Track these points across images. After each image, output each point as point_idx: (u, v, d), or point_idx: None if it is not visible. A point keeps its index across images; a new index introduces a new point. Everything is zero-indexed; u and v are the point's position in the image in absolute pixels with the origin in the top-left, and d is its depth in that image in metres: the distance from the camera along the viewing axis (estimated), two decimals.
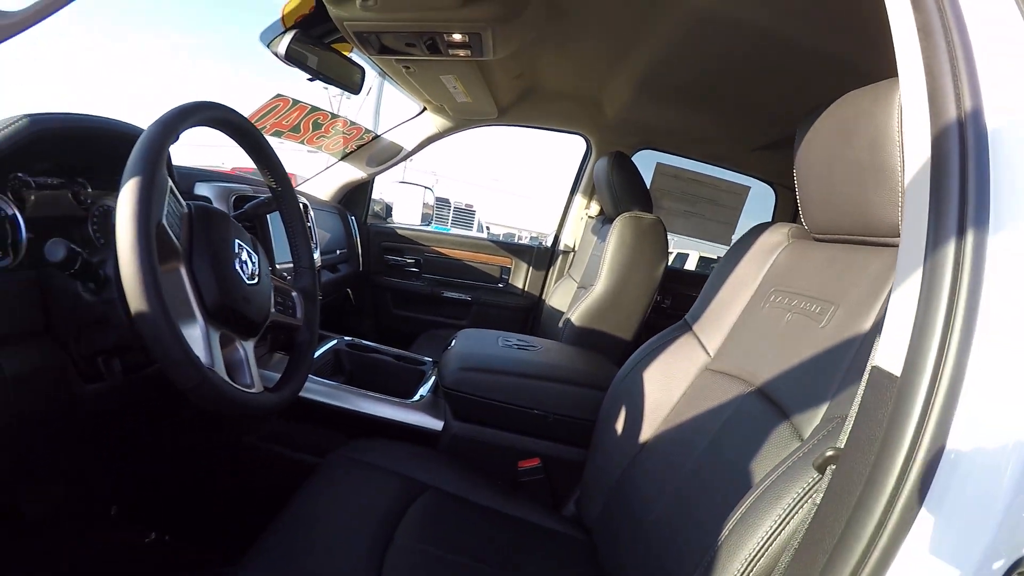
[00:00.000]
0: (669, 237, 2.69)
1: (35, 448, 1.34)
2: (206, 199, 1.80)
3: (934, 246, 0.65)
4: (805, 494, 0.86)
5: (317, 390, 1.86)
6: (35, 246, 1.16)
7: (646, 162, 3.46)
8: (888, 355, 0.70)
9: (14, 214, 1.15)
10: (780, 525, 0.87)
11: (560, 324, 2.68)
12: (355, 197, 3.54)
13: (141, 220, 0.93)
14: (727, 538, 0.95)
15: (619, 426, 1.49)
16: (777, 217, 3.64)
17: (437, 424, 1.87)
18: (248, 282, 1.21)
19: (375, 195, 3.72)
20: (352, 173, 3.41)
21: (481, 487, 1.59)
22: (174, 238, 1.07)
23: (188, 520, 2.04)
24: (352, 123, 3.25)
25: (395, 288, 3.62)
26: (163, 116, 1.07)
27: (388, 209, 3.86)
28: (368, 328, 3.63)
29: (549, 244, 3.69)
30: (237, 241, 1.23)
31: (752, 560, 0.89)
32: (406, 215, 3.65)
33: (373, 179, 3.54)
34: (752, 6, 1.74)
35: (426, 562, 1.28)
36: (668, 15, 1.91)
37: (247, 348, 1.22)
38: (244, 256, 1.23)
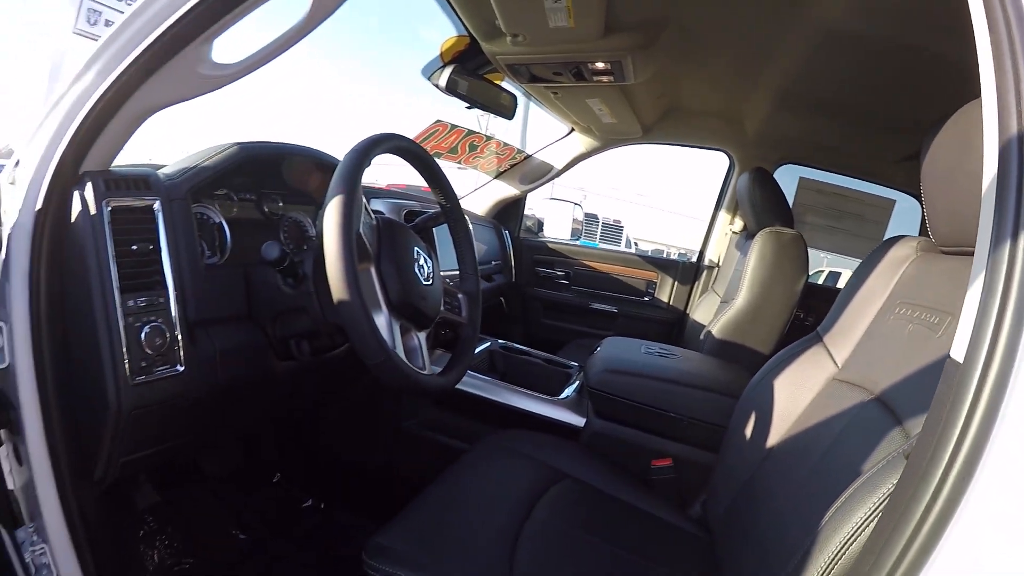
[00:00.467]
0: (822, 255, 2.71)
1: (227, 414, 1.61)
2: (380, 213, 2.06)
3: (994, 248, 0.70)
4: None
5: (473, 384, 2.05)
6: (236, 248, 1.49)
7: (790, 177, 3.41)
8: (958, 346, 0.74)
9: (221, 222, 1.48)
10: (872, 512, 0.91)
11: (701, 336, 2.73)
12: (508, 212, 3.73)
13: (345, 229, 1.18)
14: (825, 525, 0.99)
15: (748, 432, 1.52)
16: (923, 231, 3.45)
17: (579, 421, 2.01)
18: (424, 283, 1.45)
19: (527, 211, 3.89)
20: (505, 190, 3.61)
21: (615, 480, 1.70)
22: (367, 244, 1.33)
23: (343, 492, 2.30)
24: (505, 144, 3.44)
25: (545, 298, 3.78)
26: (358, 145, 1.33)
27: (540, 224, 4.03)
28: (518, 335, 3.78)
29: (695, 259, 3.72)
30: (416, 248, 1.47)
31: (843, 545, 0.92)
32: (556, 230, 3.82)
33: (525, 196, 3.72)
34: (871, 17, 1.75)
35: (558, 537, 1.41)
36: (794, 32, 1.96)
37: (421, 338, 1.46)
38: (421, 261, 1.47)
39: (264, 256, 1.32)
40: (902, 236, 1.45)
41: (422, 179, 1.62)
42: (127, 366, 1.19)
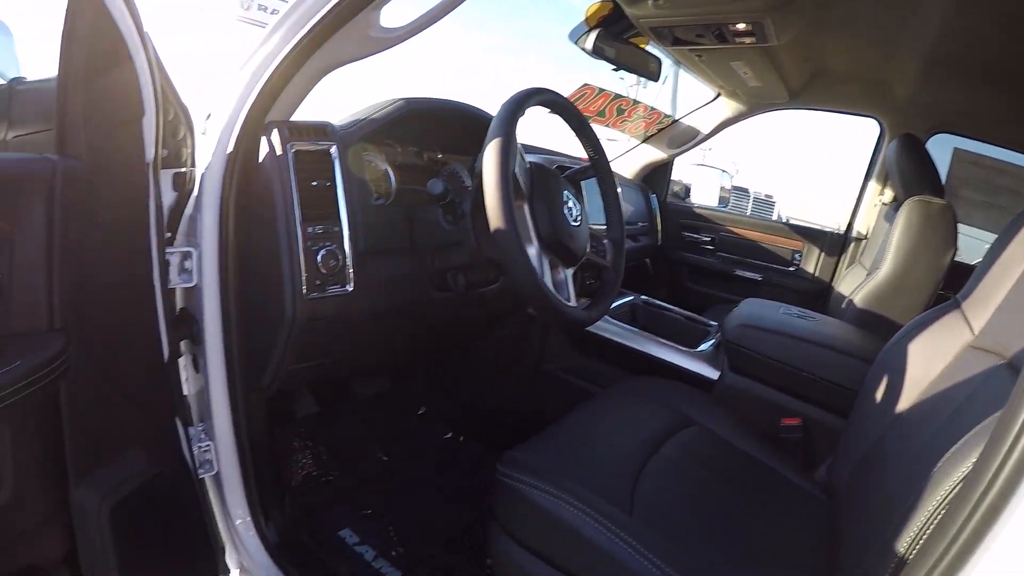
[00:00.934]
0: (980, 233, 2.60)
1: (386, 337, 1.79)
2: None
3: None
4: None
5: (612, 330, 2.15)
6: (400, 192, 1.65)
7: (944, 147, 3.21)
8: None
9: (387, 169, 1.63)
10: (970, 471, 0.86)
11: (843, 305, 2.66)
12: (656, 176, 3.75)
13: (503, 167, 1.33)
14: (931, 477, 0.98)
15: (878, 397, 1.51)
16: None
17: (714, 373, 2.07)
18: (572, 223, 1.56)
19: (674, 177, 3.90)
20: (653, 154, 3.63)
21: (743, 434, 1.71)
22: (521, 184, 1.47)
23: (481, 427, 2.45)
24: (652, 108, 3.50)
25: (690, 263, 3.80)
26: (515, 95, 1.47)
27: (687, 190, 4.03)
28: (662, 296, 3.68)
29: (840, 231, 3.61)
30: (565, 192, 1.58)
31: (944, 499, 0.91)
32: (704, 196, 3.83)
33: (673, 160, 3.73)
34: None
35: (681, 474, 1.48)
36: None
37: (567, 274, 1.59)
38: (570, 204, 1.58)
39: (429, 190, 1.53)
40: None
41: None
42: (304, 282, 1.37)
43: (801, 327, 2.12)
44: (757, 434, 1.76)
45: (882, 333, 2.17)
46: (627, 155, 3.70)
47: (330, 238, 1.42)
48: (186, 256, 1.38)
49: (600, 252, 1.73)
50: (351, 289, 1.46)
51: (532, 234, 1.48)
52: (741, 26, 2.22)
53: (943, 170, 2.93)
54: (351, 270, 1.45)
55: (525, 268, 1.36)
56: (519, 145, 1.47)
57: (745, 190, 13.21)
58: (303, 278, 1.38)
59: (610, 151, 3.28)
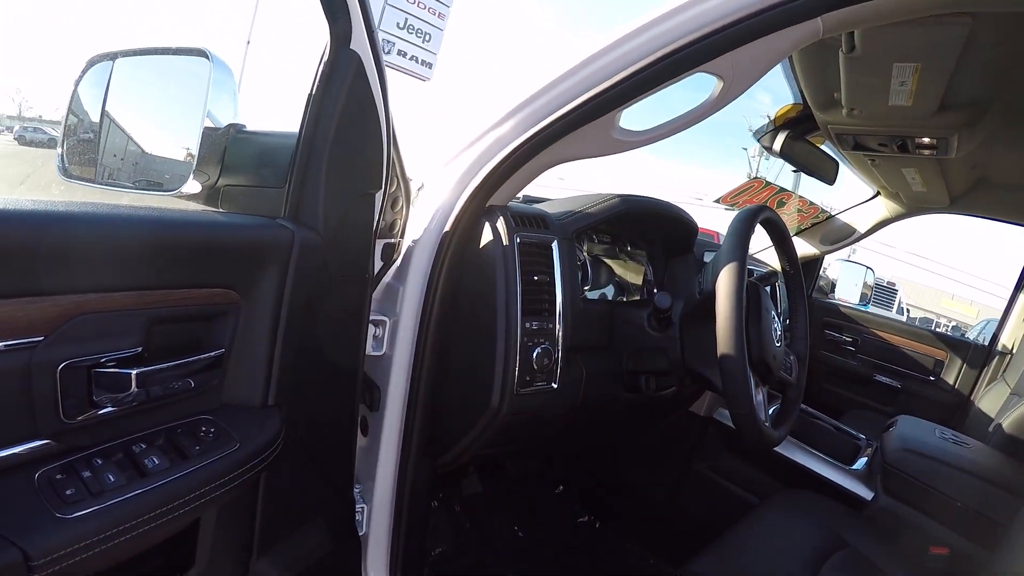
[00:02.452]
0: None
1: (571, 430, 1.79)
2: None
3: None
4: None
5: None
6: (596, 283, 1.71)
7: None
8: None
9: (585, 260, 1.68)
10: None
11: (990, 428, 2.57)
12: (805, 271, 3.64)
13: (738, 293, 1.35)
14: None
15: None
16: None
17: (868, 493, 2.02)
18: (776, 343, 1.56)
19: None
20: (804, 248, 3.57)
21: (892, 560, 1.70)
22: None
23: (620, 514, 2.44)
24: (810, 203, 3.47)
25: (829, 363, 3.71)
26: (743, 214, 1.51)
27: (832, 285, 3.98)
28: None
29: (985, 342, 3.51)
30: (773, 312, 1.59)
31: None
32: (847, 292, 3.76)
33: (823, 256, 3.69)
34: None
35: None
36: None
37: (764, 393, 1.58)
38: (775, 324, 1.58)
39: (657, 304, 1.55)
40: None
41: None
42: (516, 378, 1.38)
43: (960, 456, 2.06)
44: (905, 560, 1.75)
45: None
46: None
47: (545, 335, 1.43)
48: (378, 324, 1.40)
49: (788, 368, 1.72)
50: (556, 387, 1.47)
51: (745, 355, 1.48)
52: (926, 140, 2.25)
53: None
54: (559, 368, 1.47)
55: (746, 395, 1.38)
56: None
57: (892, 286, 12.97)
58: (516, 373, 1.39)
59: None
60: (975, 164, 2.69)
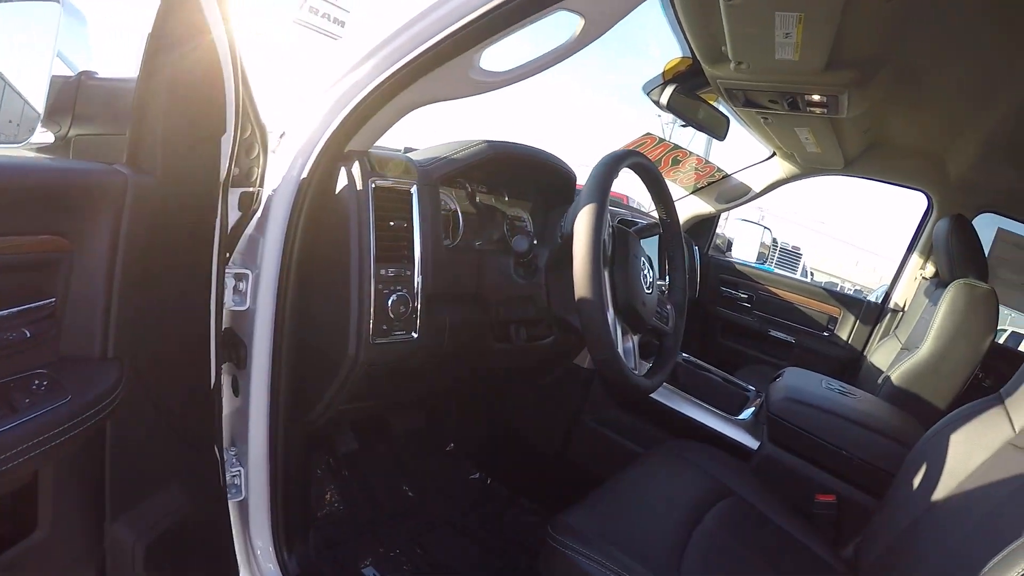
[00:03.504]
0: (1005, 312, 2.59)
1: (438, 381, 1.79)
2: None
3: None
4: None
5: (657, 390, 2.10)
6: (466, 233, 1.64)
7: (987, 225, 3.21)
8: None
9: (456, 208, 1.62)
10: None
11: (879, 380, 2.69)
12: (701, 228, 3.76)
13: (595, 236, 1.30)
14: None
15: (915, 483, 1.51)
16: None
17: (753, 443, 2.03)
18: (646, 290, 1.54)
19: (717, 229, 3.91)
20: (700, 207, 3.62)
21: (778, 507, 1.73)
22: (606, 249, 1.44)
23: (510, 470, 2.42)
24: (706, 161, 3.49)
25: (725, 319, 3.78)
26: (608, 157, 1.45)
27: (729, 243, 4.03)
28: (694, 351, 3.63)
29: (878, 300, 3.61)
30: (643, 258, 1.56)
31: None
32: (744, 251, 3.82)
33: (719, 215, 3.73)
34: None
35: (721, 551, 1.49)
36: (1021, 83, 1.92)
37: (635, 340, 1.56)
38: (646, 270, 1.56)
39: (515, 248, 1.50)
40: None
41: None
42: (371, 326, 1.34)
43: (844, 405, 2.10)
44: (791, 507, 1.77)
45: (917, 413, 2.27)
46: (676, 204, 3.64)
47: (401, 282, 1.39)
48: (240, 278, 1.34)
49: (664, 317, 1.70)
50: (416, 336, 1.43)
51: (609, 301, 1.45)
52: (816, 98, 2.25)
53: (986, 246, 2.92)
54: (419, 316, 1.43)
55: (607, 338, 1.34)
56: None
57: (772, 240, 13.19)
58: (371, 322, 1.35)
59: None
60: (868, 127, 2.75)
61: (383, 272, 1.35)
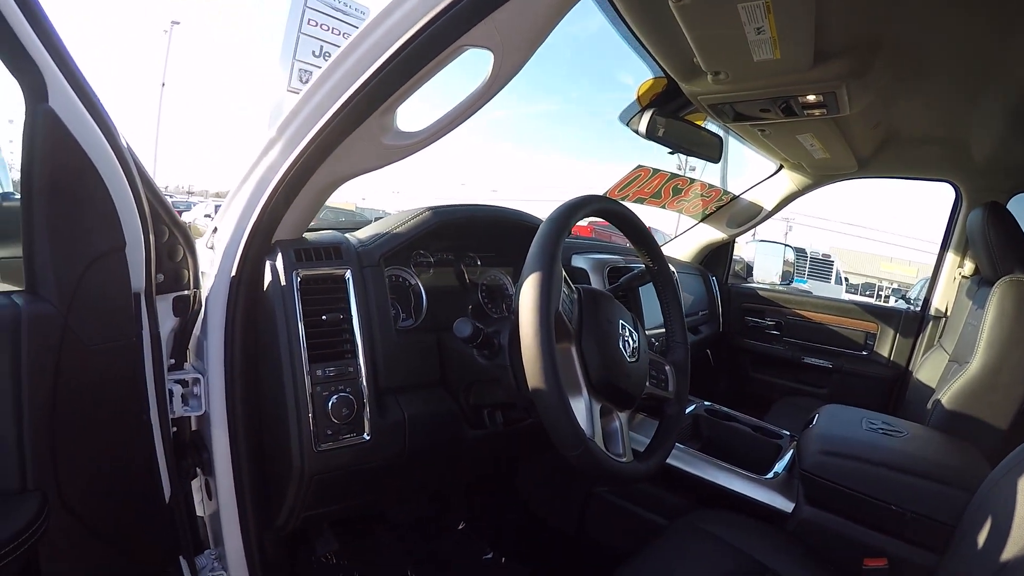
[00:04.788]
0: None
1: (413, 478, 1.64)
2: (583, 271, 2.02)
3: None
4: None
5: (674, 455, 1.92)
6: (432, 310, 1.55)
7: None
8: None
9: (417, 283, 1.53)
10: None
11: (929, 405, 2.44)
12: (716, 257, 3.62)
13: (542, 310, 1.11)
14: None
15: (982, 537, 1.32)
16: None
17: (788, 505, 1.84)
18: (629, 359, 1.33)
19: (735, 255, 3.76)
20: (712, 234, 3.49)
21: None
22: (567, 322, 1.23)
23: (526, 548, 2.27)
24: (711, 186, 3.34)
25: (754, 351, 3.60)
26: (555, 213, 1.27)
27: (748, 268, 3.87)
28: (724, 390, 3.62)
29: (919, 308, 3.36)
30: (621, 321, 1.36)
31: None
32: (766, 273, 3.65)
33: (734, 240, 3.58)
34: None
35: None
36: None
37: (622, 419, 1.34)
38: (627, 335, 1.36)
39: (456, 333, 1.29)
40: None
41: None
42: (313, 433, 1.27)
43: (888, 450, 1.88)
44: None
45: (976, 438, 2.08)
46: (684, 236, 3.58)
47: (344, 380, 1.31)
48: (195, 382, 1.32)
49: (661, 382, 1.51)
50: (368, 438, 1.33)
51: (581, 381, 1.26)
52: (811, 98, 2.08)
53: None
54: (368, 417, 1.33)
55: (569, 432, 1.14)
56: (562, 272, 1.26)
57: (803, 251, 13.06)
58: (311, 428, 1.26)
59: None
60: (877, 122, 2.56)
61: (320, 372, 1.27)
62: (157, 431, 1.21)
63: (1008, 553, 1.19)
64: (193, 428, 1.39)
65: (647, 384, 1.42)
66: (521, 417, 1.53)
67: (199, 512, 1.43)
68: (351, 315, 1.32)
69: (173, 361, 1.30)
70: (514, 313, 1.18)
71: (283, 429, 1.27)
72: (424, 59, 1.06)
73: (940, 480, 1.73)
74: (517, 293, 1.16)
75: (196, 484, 1.41)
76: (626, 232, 1.52)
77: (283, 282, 1.26)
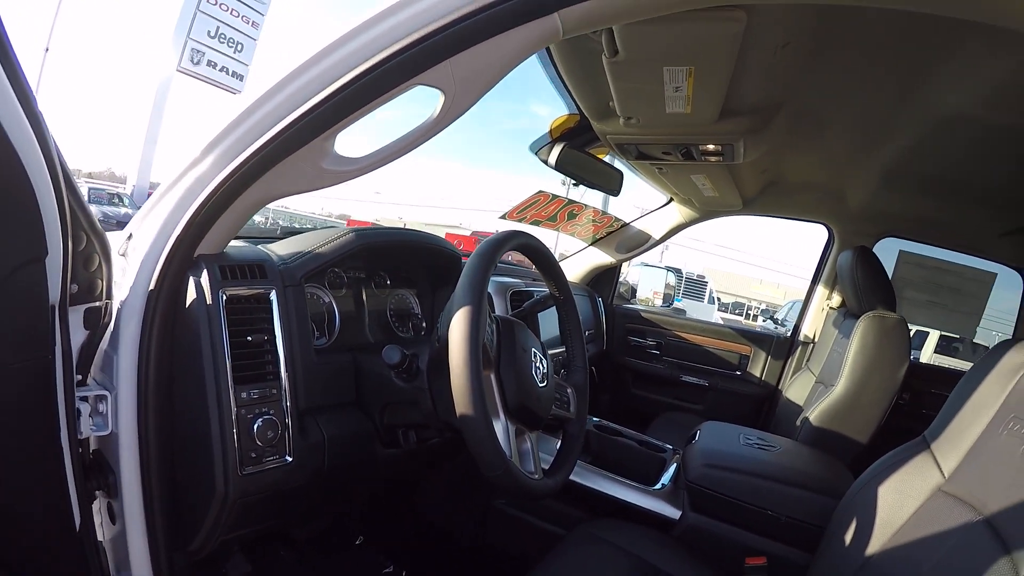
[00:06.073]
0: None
1: (326, 497, 1.65)
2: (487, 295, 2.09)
3: None
4: None
5: None
6: (345, 329, 1.55)
7: (889, 250, 3.35)
8: None
9: (331, 302, 1.53)
10: None
11: (798, 422, 2.68)
12: (603, 280, 3.74)
13: (471, 343, 1.17)
14: None
15: (847, 537, 1.49)
16: None
17: (675, 513, 1.95)
18: (540, 384, 1.41)
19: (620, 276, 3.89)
20: (601, 258, 3.62)
21: None
22: (488, 350, 1.30)
23: (426, 561, 2.29)
24: (603, 213, 3.47)
25: (636, 368, 3.74)
26: (483, 247, 1.33)
27: (632, 290, 4.01)
28: (607, 405, 3.74)
29: (789, 334, 3.64)
30: (533, 349, 1.44)
31: None
32: (648, 295, 3.80)
33: (620, 264, 3.72)
34: (998, 109, 1.73)
35: None
36: (912, 115, 1.94)
37: (532, 439, 1.43)
38: (537, 362, 1.43)
39: (385, 360, 1.34)
40: (1016, 341, 1.38)
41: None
42: (237, 457, 1.22)
43: (764, 463, 2.06)
44: (721, 575, 1.74)
45: (841, 452, 2.32)
46: (574, 258, 3.69)
47: (268, 402, 1.27)
48: (100, 399, 1.22)
49: (563, 403, 1.59)
50: (291, 460, 1.31)
51: (499, 405, 1.33)
52: (711, 147, 2.23)
53: (889, 270, 3.03)
54: (290, 438, 1.31)
55: (494, 455, 1.21)
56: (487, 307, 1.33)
57: (678, 270, 13.45)
58: (236, 452, 1.22)
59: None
60: (764, 168, 2.76)
61: (244, 395, 1.24)
62: (67, 453, 1.12)
63: (871, 550, 1.38)
64: (93, 448, 1.31)
65: (552, 409, 1.49)
66: (431, 436, 1.56)
67: (99, 537, 1.32)
68: (275, 336, 1.30)
69: (80, 377, 1.20)
70: (440, 341, 1.24)
71: (204, 451, 1.23)
72: (378, 91, 1.06)
73: (810, 488, 1.91)
74: (445, 323, 1.23)
75: (95, 507, 1.30)
76: (539, 264, 1.60)
77: (209, 300, 1.22)
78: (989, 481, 1.23)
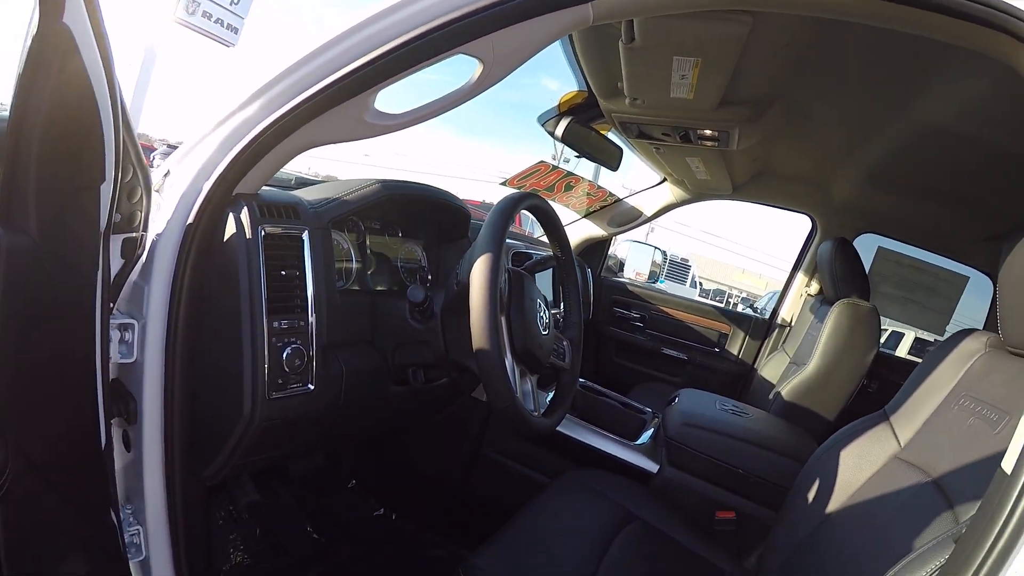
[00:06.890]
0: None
1: (338, 429, 1.72)
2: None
3: None
4: (943, 564, 0.96)
5: None
6: (360, 273, 1.64)
7: (868, 245, 3.43)
8: (1010, 457, 0.83)
9: (349, 248, 1.60)
10: None
11: (770, 396, 2.80)
12: (594, 251, 3.81)
13: (492, 286, 1.29)
14: None
15: (810, 496, 1.59)
16: (993, 310, 3.35)
17: (653, 467, 2.08)
18: (543, 332, 1.54)
19: (610, 251, 3.98)
20: (593, 230, 3.71)
21: (680, 527, 1.79)
22: (501, 296, 1.43)
23: (415, 505, 2.41)
24: (599, 187, 3.56)
25: (619, 338, 3.84)
26: (503, 203, 1.45)
27: (621, 264, 4.10)
28: (589, 371, 3.79)
29: (766, 315, 3.77)
30: (539, 301, 1.56)
31: None
32: (635, 271, 3.89)
33: (611, 238, 3.80)
34: (984, 125, 1.84)
35: (632, 573, 1.55)
36: (901, 122, 2.05)
37: (533, 382, 1.57)
38: (541, 312, 1.56)
39: (410, 298, 1.47)
40: (974, 330, 1.50)
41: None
42: (267, 382, 1.28)
43: (738, 426, 2.18)
44: (693, 526, 1.84)
45: (808, 426, 2.43)
46: (567, 228, 3.68)
47: (296, 333, 1.33)
48: (126, 328, 1.24)
49: (559, 354, 1.71)
50: (313, 388, 1.37)
51: (507, 346, 1.45)
52: (708, 132, 2.34)
53: (867, 263, 3.14)
54: (314, 368, 1.37)
55: (506, 388, 1.34)
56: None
57: (662, 252, 13.41)
58: (266, 378, 1.28)
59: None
60: (756, 157, 2.87)
61: (276, 324, 1.29)
62: (99, 376, 1.12)
63: (830, 508, 1.48)
64: (112, 376, 1.28)
65: (551, 355, 1.62)
66: (438, 376, 1.67)
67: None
68: (305, 273, 1.36)
69: (112, 306, 1.21)
70: (459, 285, 1.35)
71: (235, 378, 1.28)
72: (423, 56, 1.13)
73: (778, 452, 2.05)
74: (466, 268, 1.33)
75: (114, 435, 1.28)
76: (546, 226, 1.72)
77: (248, 235, 1.26)
78: (939, 449, 1.34)
